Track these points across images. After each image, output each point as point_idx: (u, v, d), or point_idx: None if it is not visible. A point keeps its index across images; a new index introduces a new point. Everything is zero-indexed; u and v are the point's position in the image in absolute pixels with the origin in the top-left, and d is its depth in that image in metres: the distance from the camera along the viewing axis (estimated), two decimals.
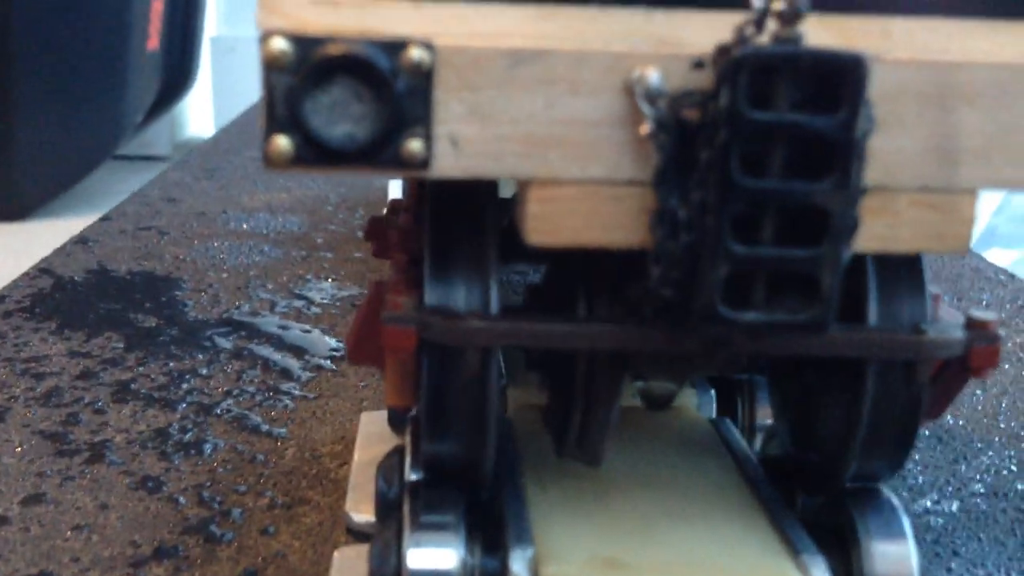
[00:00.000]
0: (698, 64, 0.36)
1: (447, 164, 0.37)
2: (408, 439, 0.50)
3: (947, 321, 0.42)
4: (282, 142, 0.35)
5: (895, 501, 0.46)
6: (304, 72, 0.35)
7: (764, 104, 0.35)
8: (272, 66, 0.35)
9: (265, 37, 0.35)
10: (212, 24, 3.22)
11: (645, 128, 0.36)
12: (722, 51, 0.35)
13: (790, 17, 0.35)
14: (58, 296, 0.93)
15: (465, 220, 0.43)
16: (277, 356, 0.82)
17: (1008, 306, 0.96)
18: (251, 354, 0.83)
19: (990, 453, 0.70)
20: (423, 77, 0.36)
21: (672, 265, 0.36)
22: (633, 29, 0.37)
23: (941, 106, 0.37)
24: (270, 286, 0.98)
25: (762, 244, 0.36)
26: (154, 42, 2.77)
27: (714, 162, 0.35)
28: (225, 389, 0.76)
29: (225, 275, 1.00)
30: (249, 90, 3.28)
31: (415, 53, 0.35)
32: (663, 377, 0.46)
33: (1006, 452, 0.70)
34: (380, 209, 1.22)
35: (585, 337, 0.40)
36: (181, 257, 1.05)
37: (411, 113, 0.36)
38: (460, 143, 0.37)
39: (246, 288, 0.97)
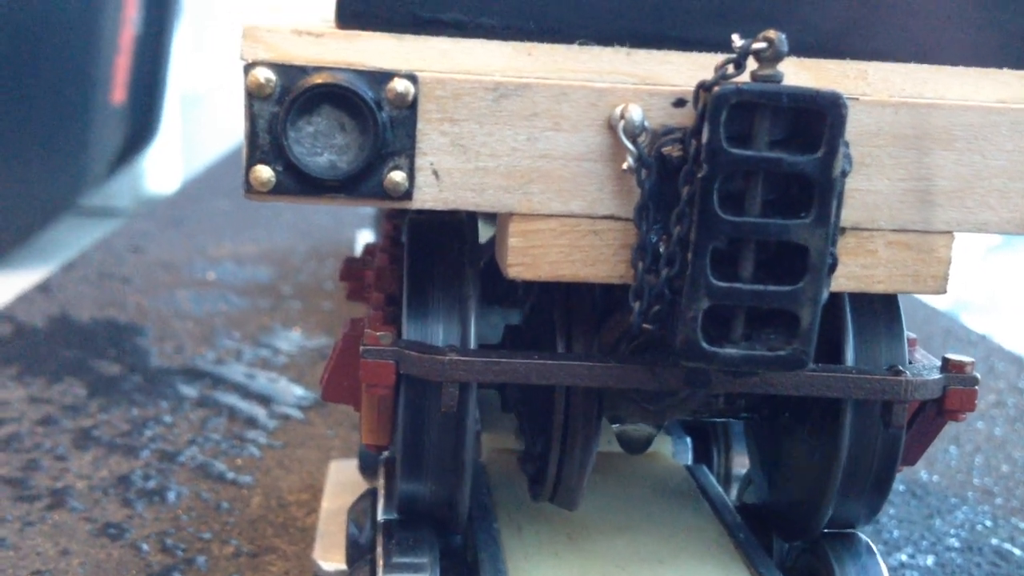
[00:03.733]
0: (679, 102, 0.37)
1: (429, 196, 0.37)
2: (381, 481, 0.49)
3: (924, 363, 0.43)
4: (264, 171, 0.35)
5: (872, 546, 0.46)
6: (288, 101, 0.35)
7: (744, 142, 0.35)
8: (256, 95, 0.35)
9: (249, 67, 0.35)
10: (181, 80, 3.22)
11: (626, 163, 0.36)
12: (703, 88, 0.35)
13: (770, 57, 0.35)
14: (19, 342, 0.92)
15: (444, 256, 0.43)
16: (243, 404, 0.81)
17: (980, 367, 0.97)
18: (216, 402, 0.81)
19: (964, 508, 0.70)
20: (407, 109, 0.36)
21: (653, 299, 0.36)
22: (615, 67, 0.37)
23: (917, 148, 0.38)
24: (236, 335, 0.97)
25: (742, 280, 0.36)
26: (119, 96, 2.76)
27: (695, 197, 0.35)
28: (189, 437, 0.75)
29: (190, 324, 0.99)
30: (217, 145, 3.27)
31: (399, 84, 0.35)
32: (641, 419, 0.46)
33: (980, 508, 0.70)
34: None
35: (564, 373, 0.40)
36: (145, 305, 1.04)
37: (394, 144, 0.36)
38: (442, 175, 0.37)
39: (211, 337, 0.96)
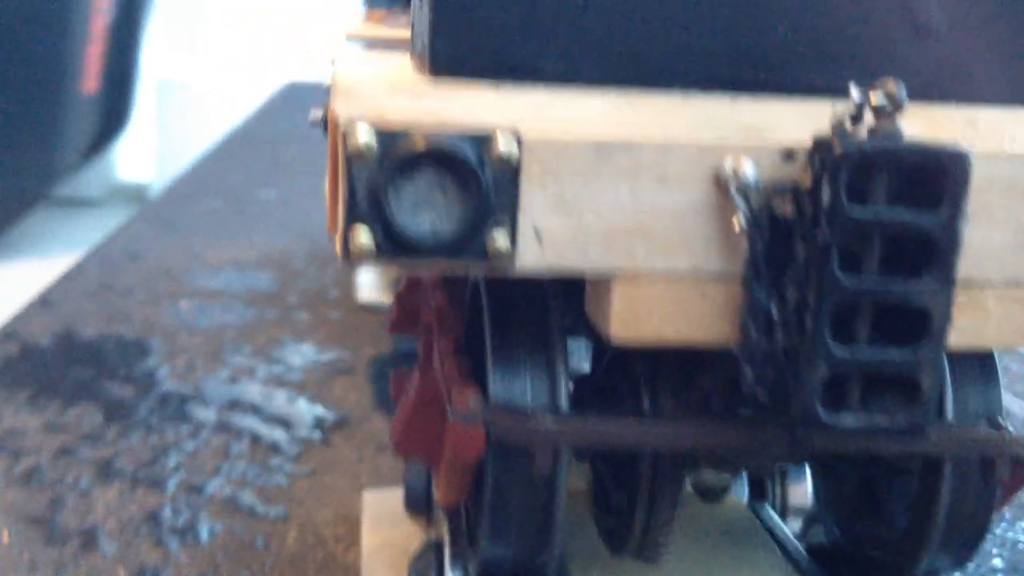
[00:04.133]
0: (788, 155, 0.35)
1: (531, 258, 0.35)
2: (447, 537, 0.47)
3: (1017, 411, 0.41)
4: (363, 235, 0.33)
5: None
6: (389, 164, 0.33)
7: (862, 199, 0.34)
8: (355, 158, 0.33)
9: (349, 129, 0.33)
10: (155, 65, 3.17)
11: (737, 222, 0.34)
12: (821, 146, 0.34)
13: (891, 111, 0.34)
14: (27, 363, 0.89)
15: (528, 307, 0.41)
16: (263, 428, 0.79)
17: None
18: (235, 427, 0.79)
19: (1003, 525, 0.69)
20: (510, 169, 0.34)
21: (767, 366, 0.35)
22: (719, 117, 0.36)
23: None
24: (247, 349, 0.95)
25: (859, 344, 0.35)
26: (92, 85, 2.72)
27: (814, 260, 0.34)
28: (213, 466, 0.73)
29: (198, 339, 0.97)
30: (193, 133, 3.22)
31: (502, 144, 0.34)
32: (723, 468, 0.44)
33: (1019, 524, 0.69)
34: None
35: (667, 436, 0.38)
36: (150, 319, 1.01)
37: (497, 206, 0.34)
38: (544, 236, 0.35)
39: (221, 353, 0.94)
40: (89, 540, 0.62)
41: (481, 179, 0.33)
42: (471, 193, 0.33)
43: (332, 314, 1.05)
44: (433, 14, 0.35)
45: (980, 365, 0.42)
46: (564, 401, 0.40)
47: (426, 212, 0.34)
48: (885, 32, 0.36)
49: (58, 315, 1.00)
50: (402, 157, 0.33)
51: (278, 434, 0.79)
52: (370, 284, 1.08)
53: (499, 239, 0.34)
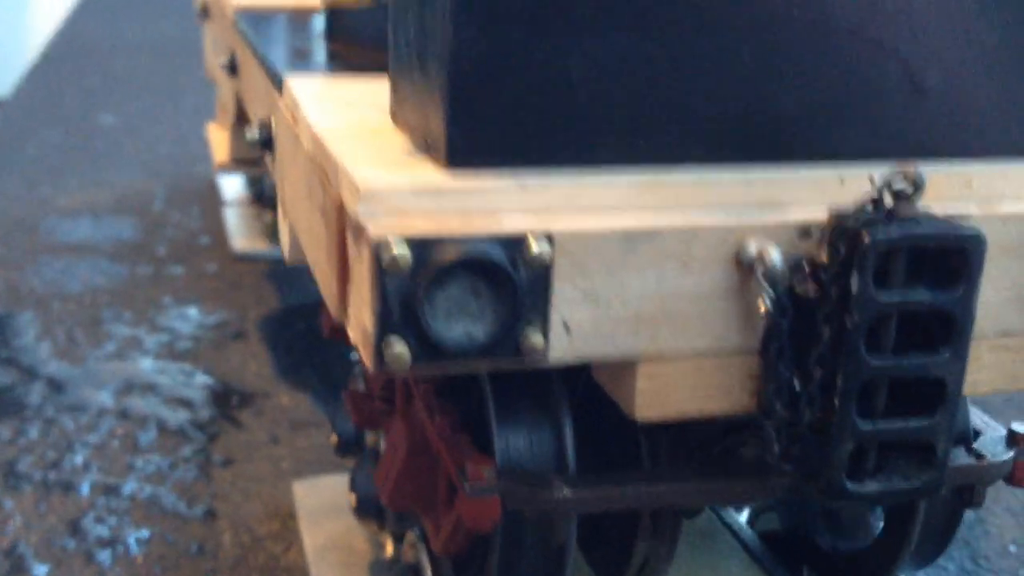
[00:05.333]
0: (805, 232, 0.36)
1: (560, 350, 0.35)
2: (427, 564, 0.47)
3: (991, 436, 0.44)
4: (398, 346, 0.32)
5: None
6: (424, 276, 0.32)
7: (882, 279, 0.35)
8: (389, 272, 0.32)
9: (381, 244, 0.31)
10: None
11: (763, 304, 0.35)
12: (846, 233, 0.34)
13: (912, 195, 0.34)
14: None
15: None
16: (166, 412, 0.77)
17: None
18: (136, 412, 0.76)
19: None
20: (543, 269, 0.33)
21: (793, 441, 0.36)
22: (735, 196, 0.36)
23: (1022, 256, 0.38)
24: (127, 316, 0.91)
25: (879, 417, 0.36)
26: None
27: (841, 341, 0.34)
28: (125, 462, 0.70)
29: (72, 306, 0.92)
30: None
31: (536, 246, 0.33)
32: None
33: None
34: (213, 206, 1.15)
35: (686, 495, 0.39)
36: (14, 284, 0.95)
37: (530, 305, 0.33)
38: (572, 328, 0.34)
39: (101, 322, 0.90)
40: (17, 562, 0.60)
41: (515, 282, 0.33)
42: (505, 296, 0.33)
43: (208, 267, 1.01)
44: (449, 104, 0.33)
45: None
46: (572, 461, 0.40)
47: (460, 319, 0.33)
48: (885, 93, 0.37)
49: None
50: (437, 267, 0.32)
51: (182, 416, 0.76)
52: (243, 231, 1.05)
53: (532, 337, 0.33)
